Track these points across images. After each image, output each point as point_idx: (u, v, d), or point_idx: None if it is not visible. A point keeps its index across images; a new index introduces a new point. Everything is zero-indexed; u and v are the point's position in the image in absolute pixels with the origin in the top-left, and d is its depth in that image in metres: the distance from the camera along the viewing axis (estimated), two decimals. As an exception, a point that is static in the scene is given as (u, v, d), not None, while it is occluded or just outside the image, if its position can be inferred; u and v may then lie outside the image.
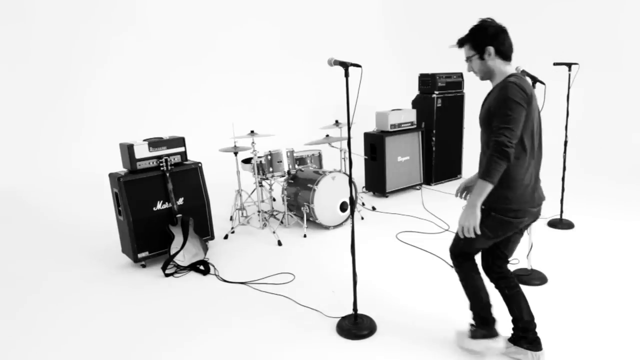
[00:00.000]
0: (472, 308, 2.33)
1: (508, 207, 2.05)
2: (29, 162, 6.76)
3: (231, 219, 4.84)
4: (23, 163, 6.72)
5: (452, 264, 2.38)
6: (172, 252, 3.61)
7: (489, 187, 1.95)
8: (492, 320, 2.31)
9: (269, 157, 4.48)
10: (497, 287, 2.30)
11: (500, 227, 2.09)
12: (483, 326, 2.31)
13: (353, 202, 2.64)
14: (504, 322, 2.64)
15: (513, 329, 2.32)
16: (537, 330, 2.27)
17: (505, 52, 2.06)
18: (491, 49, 2.06)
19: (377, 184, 5.47)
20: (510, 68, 2.09)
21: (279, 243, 4.10)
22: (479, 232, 2.04)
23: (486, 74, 2.13)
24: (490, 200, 2.06)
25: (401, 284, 3.22)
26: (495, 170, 1.92)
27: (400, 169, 5.48)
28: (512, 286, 2.25)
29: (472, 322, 2.38)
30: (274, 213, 4.85)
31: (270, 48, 8.69)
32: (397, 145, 5.41)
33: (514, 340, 2.31)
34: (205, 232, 4.03)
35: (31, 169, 6.73)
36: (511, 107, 1.92)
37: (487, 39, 2.06)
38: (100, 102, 7.31)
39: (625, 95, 6.56)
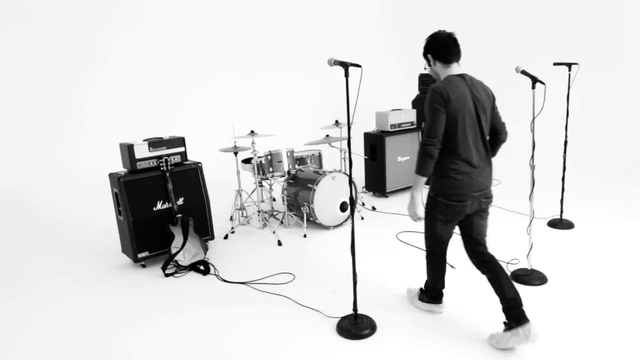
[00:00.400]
0: (427, 284, 2.77)
1: (449, 193, 2.37)
2: (30, 162, 6.77)
3: (231, 219, 4.84)
4: (24, 163, 6.73)
5: (426, 253, 2.73)
6: (172, 252, 3.61)
7: (421, 180, 2.36)
8: (440, 296, 2.77)
9: (269, 157, 4.48)
10: (481, 272, 2.50)
11: (447, 210, 2.41)
12: (432, 299, 2.78)
13: (353, 202, 2.64)
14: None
15: (503, 311, 2.38)
16: (523, 306, 2.33)
17: (442, 57, 2.37)
18: (429, 56, 2.42)
19: (377, 184, 5.48)
20: (452, 70, 2.37)
21: (279, 243, 4.10)
22: (422, 216, 2.45)
23: (436, 77, 2.46)
24: (435, 189, 2.44)
25: (401, 284, 3.22)
26: (422, 166, 2.32)
27: (400, 169, 5.49)
28: (492, 269, 2.44)
29: (423, 287, 2.81)
30: (274, 213, 4.85)
31: (270, 48, 8.69)
32: (397, 145, 5.41)
33: (507, 327, 2.35)
34: (205, 232, 4.03)
35: (32, 169, 6.73)
36: (429, 110, 2.29)
37: (427, 48, 2.42)
38: (100, 102, 7.31)
39: (625, 95, 6.56)
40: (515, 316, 2.32)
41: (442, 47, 2.34)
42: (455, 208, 2.38)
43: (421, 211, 2.43)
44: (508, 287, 2.35)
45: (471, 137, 2.33)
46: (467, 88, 2.31)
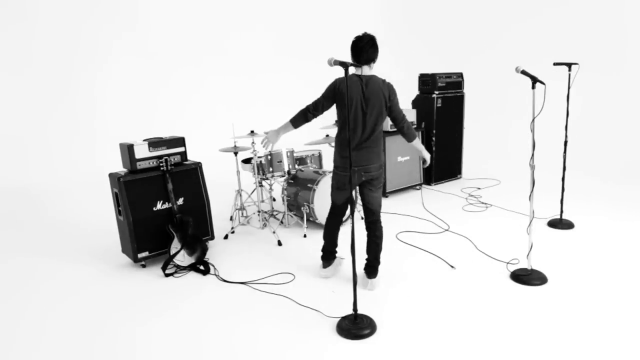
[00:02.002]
0: (323, 248, 3.32)
1: (337, 165, 3.05)
2: (30, 162, 6.77)
3: (231, 219, 4.84)
4: (24, 162, 6.73)
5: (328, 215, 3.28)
6: (172, 252, 3.61)
7: (289, 127, 3.03)
8: (334, 253, 3.35)
9: (269, 157, 4.48)
10: (365, 228, 3.16)
11: (335, 178, 3.08)
12: (329, 257, 3.33)
13: (353, 202, 2.64)
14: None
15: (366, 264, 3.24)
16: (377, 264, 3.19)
17: (353, 58, 2.89)
18: (350, 55, 2.93)
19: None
20: (360, 70, 2.89)
21: (279, 243, 4.10)
22: (274, 148, 3.01)
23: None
24: (334, 161, 3.07)
25: (401, 284, 3.22)
26: (295, 121, 3.00)
27: (400, 169, 5.49)
28: (370, 232, 3.19)
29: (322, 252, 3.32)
30: (274, 213, 4.85)
31: (270, 49, 8.69)
32: (397, 146, 5.41)
33: (368, 276, 3.19)
34: (205, 232, 4.03)
35: (32, 169, 6.73)
36: (324, 93, 2.90)
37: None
38: (101, 102, 7.32)
39: (625, 95, 6.56)
40: (371, 272, 3.14)
41: (352, 50, 2.86)
42: (340, 176, 3.03)
43: (274, 141, 3.08)
44: (374, 252, 3.13)
45: (356, 124, 2.91)
46: (359, 87, 2.85)
